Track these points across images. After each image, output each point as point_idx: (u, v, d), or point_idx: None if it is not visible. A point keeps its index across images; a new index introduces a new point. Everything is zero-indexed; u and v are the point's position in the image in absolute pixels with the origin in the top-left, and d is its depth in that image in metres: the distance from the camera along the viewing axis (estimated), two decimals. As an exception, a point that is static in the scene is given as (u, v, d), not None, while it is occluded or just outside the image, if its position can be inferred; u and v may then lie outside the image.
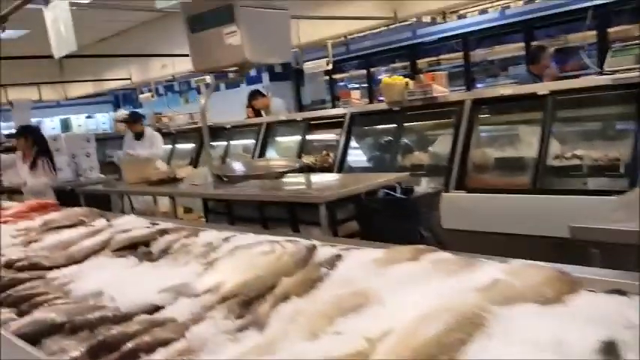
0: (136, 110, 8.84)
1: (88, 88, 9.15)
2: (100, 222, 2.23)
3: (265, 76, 9.86)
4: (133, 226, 1.95)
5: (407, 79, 5.02)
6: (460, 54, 7.67)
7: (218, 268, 1.29)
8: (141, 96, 8.29)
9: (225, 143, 7.11)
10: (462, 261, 1.10)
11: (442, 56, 7.95)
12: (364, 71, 9.07)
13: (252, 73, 10.18)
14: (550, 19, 6.67)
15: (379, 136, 5.38)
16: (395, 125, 5.14)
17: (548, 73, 4.90)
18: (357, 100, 5.49)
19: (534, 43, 6.44)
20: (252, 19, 2.15)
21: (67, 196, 5.86)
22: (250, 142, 6.73)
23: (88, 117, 13.39)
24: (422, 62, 8.16)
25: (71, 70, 9.11)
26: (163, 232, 1.85)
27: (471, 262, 1.09)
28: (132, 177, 5.21)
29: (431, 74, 4.76)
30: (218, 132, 7.36)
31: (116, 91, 12.27)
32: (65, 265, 1.60)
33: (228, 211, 4.22)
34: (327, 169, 5.64)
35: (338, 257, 1.26)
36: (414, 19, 4.93)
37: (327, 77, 9.20)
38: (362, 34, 5.69)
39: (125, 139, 7.73)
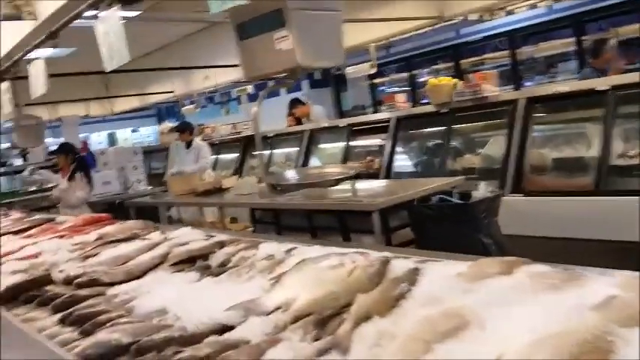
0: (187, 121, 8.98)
1: (133, 103, 9.35)
2: (155, 235, 2.20)
3: (305, 84, 9.84)
4: (189, 238, 1.90)
5: (454, 80, 4.87)
6: (505, 52, 7.45)
7: (286, 283, 1.21)
8: (184, 108, 8.41)
9: (268, 152, 7.10)
10: (564, 274, 0.98)
11: (486, 55, 7.73)
12: (404, 74, 8.93)
13: (292, 81, 10.19)
14: (601, 12, 6.38)
15: (426, 140, 5.23)
16: (443, 128, 4.98)
17: (614, 67, 4.63)
18: (402, 104, 5.37)
19: (592, 37, 6.14)
20: (304, 22, 2.08)
21: (115, 209, 5.97)
22: (293, 150, 6.70)
23: (134, 131, 13.71)
24: (465, 62, 7.96)
25: (117, 85, 9.34)
26: (221, 244, 1.79)
27: (575, 275, 0.97)
28: (178, 189, 5.24)
29: (480, 73, 4.60)
30: (262, 141, 7.37)
31: (159, 104, 12.52)
32: (125, 281, 1.55)
33: (276, 221, 4.18)
34: (373, 175, 5.52)
35: (415, 271, 1.16)
36: (460, 18, 4.77)
37: (368, 82, 9.10)
38: (405, 35, 5.56)
39: (171, 149, 7.82)
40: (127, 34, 2.68)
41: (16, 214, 3.75)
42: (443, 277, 1.09)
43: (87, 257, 2.01)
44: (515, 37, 7.19)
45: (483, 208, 2.94)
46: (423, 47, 8.07)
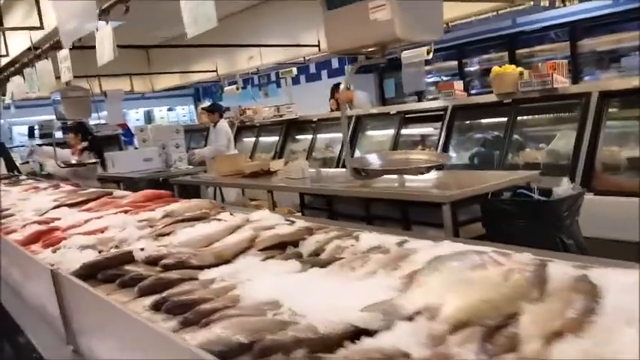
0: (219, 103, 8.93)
1: (174, 81, 9.28)
2: (226, 215, 2.06)
3: (348, 69, 9.60)
4: (272, 222, 1.75)
5: (519, 69, 4.61)
6: (563, 44, 7.09)
7: (423, 284, 1.04)
8: (226, 89, 8.28)
9: (310, 137, 6.94)
10: None
11: (544, 46, 7.38)
12: (453, 62, 8.62)
13: (334, 64, 9.98)
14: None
15: (484, 131, 4.99)
16: (504, 119, 4.72)
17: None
18: (459, 92, 5.12)
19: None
20: (404, -10, 1.87)
21: (158, 186, 5.89)
22: (337, 135, 6.51)
23: (170, 109, 13.70)
24: (520, 53, 7.62)
25: (158, 62, 9.27)
26: (309, 230, 1.63)
27: None
28: (224, 169, 5.12)
29: (551, 63, 4.32)
30: (304, 125, 7.21)
31: (199, 83, 12.42)
32: (214, 265, 1.41)
33: (328, 207, 4.01)
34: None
35: (584, 279, 0.97)
36: (531, 3, 4.49)
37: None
38: (465, 20, 5.29)
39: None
40: (170, 8, 2.55)
41: (67, 186, 3.67)
42: (625, 287, 0.91)
43: (160, 235, 1.88)
44: (576, 29, 6.83)
45: (566, 207, 2.72)
46: (476, 35, 7.75)
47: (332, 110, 8.40)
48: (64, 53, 3.67)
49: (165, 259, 1.43)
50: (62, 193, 3.22)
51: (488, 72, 8.27)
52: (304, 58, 7.39)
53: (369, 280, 1.14)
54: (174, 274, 1.34)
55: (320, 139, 6.83)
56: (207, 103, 8.55)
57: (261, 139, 7.81)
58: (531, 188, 2.86)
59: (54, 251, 1.85)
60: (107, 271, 1.48)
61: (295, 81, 10.97)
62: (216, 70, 8.14)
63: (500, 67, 4.81)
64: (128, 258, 1.52)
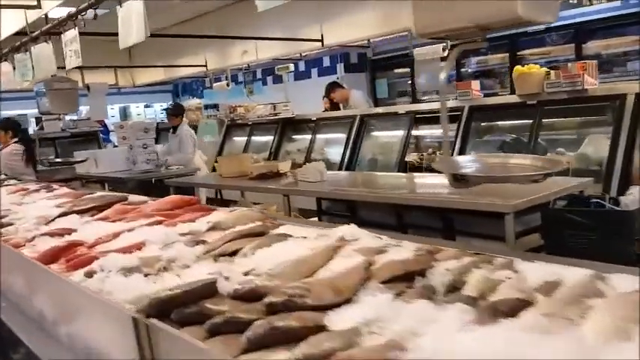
0: (180, 103, 8.52)
1: (157, 75, 8.78)
2: (292, 229, 1.72)
3: (340, 67, 9.32)
4: (371, 242, 1.42)
5: (545, 69, 4.40)
6: (566, 47, 6.96)
7: None
8: (215, 85, 7.85)
9: (307, 136, 6.59)
10: None
11: (545, 48, 7.25)
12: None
13: (326, 63, 9.66)
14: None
15: (504, 134, 4.75)
16: (527, 121, 4.49)
17: None
18: (476, 92, 4.87)
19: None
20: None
21: (148, 188, 5.47)
22: (339, 136, 6.20)
23: (147, 106, 13.12)
24: (522, 54, 7.47)
25: (142, 54, 8.75)
26: (431, 253, 1.31)
27: None
28: (227, 170, 4.75)
29: (580, 63, 4.11)
30: (300, 125, 6.87)
31: (182, 79, 11.93)
32: (336, 304, 1.07)
33: (350, 213, 3.70)
34: (432, 169, 5.06)
35: None
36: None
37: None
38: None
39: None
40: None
41: (63, 189, 3.24)
42: None
43: (221, 255, 1.52)
44: (581, 31, 6.70)
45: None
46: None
47: (325, 110, 8.11)
48: (71, 34, 3.22)
49: (270, 295, 1.08)
50: (64, 197, 2.80)
51: (487, 74, 8.18)
52: (301, 54, 7.05)
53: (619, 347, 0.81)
54: (292, 320, 0.99)
55: (319, 140, 6.49)
56: (196, 99, 8.13)
57: (253, 138, 7.41)
58: (585, 197, 2.61)
59: (89, 275, 1.47)
60: (185, 309, 1.12)
61: (279, 79, 10.64)
62: (205, 65, 7.71)
63: (523, 66, 4.59)
64: (210, 291, 1.16)
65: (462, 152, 4.74)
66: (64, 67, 4.18)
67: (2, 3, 3.70)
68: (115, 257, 1.54)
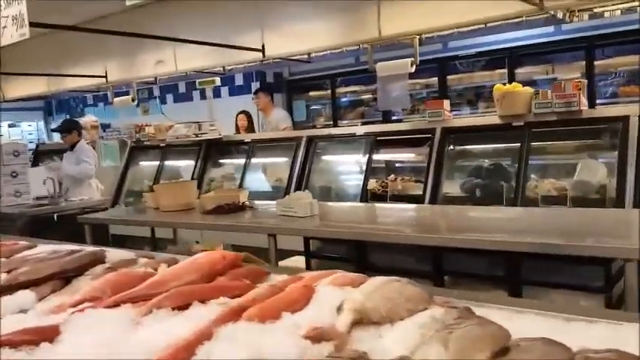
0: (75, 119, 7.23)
1: (38, 87, 7.22)
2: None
3: (255, 87, 8.52)
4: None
5: (532, 89, 4.08)
6: (498, 72, 6.94)
7: None
8: (117, 99, 6.61)
9: (240, 161, 5.69)
10: None
11: (476, 73, 7.18)
12: (372, 86, 8.08)
13: (238, 81, 8.81)
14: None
15: (485, 159, 4.34)
16: (512, 145, 4.12)
17: None
18: (448, 112, 4.43)
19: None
20: None
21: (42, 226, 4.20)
22: (280, 160, 5.41)
23: (11, 125, 11.07)
24: (452, 79, 7.33)
25: (13, 61, 7.14)
26: None
27: None
28: (168, 202, 3.73)
29: (575, 82, 3.84)
30: (229, 147, 5.94)
31: (51, 97, 10.30)
32: None
33: (348, 255, 2.94)
34: (400, 198, 4.52)
35: None
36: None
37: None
38: (447, 32, 4.63)
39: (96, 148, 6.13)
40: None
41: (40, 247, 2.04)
42: None
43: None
44: (513, 56, 6.71)
45: None
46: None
47: (238, 131, 7.33)
48: None
49: None
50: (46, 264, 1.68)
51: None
52: (224, 67, 6.14)
53: None
54: None
55: (255, 165, 5.62)
56: (91, 116, 6.80)
57: (167, 163, 6.30)
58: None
59: None
60: None
61: (184, 97, 9.57)
62: (105, 76, 6.44)
63: (504, 85, 4.24)
64: None
65: (437, 180, 4.24)
66: None
67: None
68: None
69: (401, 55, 4.62)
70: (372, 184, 4.76)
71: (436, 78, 7.39)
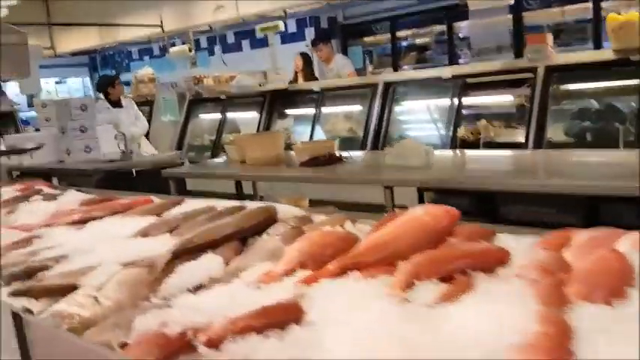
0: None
1: (90, 40, 6.98)
2: None
3: (309, 33, 8.09)
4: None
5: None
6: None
7: None
8: (172, 49, 6.32)
9: (309, 111, 5.37)
10: None
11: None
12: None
13: (291, 28, 8.38)
14: None
15: (592, 99, 3.92)
16: (624, 83, 3.70)
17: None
18: (551, 48, 3.98)
19: None
20: None
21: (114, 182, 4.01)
22: (355, 109, 5.07)
23: (58, 82, 10.97)
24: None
25: (63, 14, 6.88)
26: None
27: None
28: (256, 154, 3.46)
29: None
30: (295, 97, 5.62)
31: (124, 44, 9.74)
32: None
33: (490, 209, 2.64)
34: (494, 145, 4.16)
35: None
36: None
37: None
38: None
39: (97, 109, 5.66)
40: None
41: (63, 191, 1.84)
42: None
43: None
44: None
45: None
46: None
47: (292, 80, 6.91)
48: None
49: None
50: (96, 208, 1.47)
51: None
52: (285, 11, 5.76)
53: None
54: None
55: (326, 115, 5.30)
56: (146, 70, 6.54)
57: (230, 115, 6.05)
58: None
59: None
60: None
61: (234, 47, 9.20)
62: (161, 25, 6.14)
63: (619, 14, 3.76)
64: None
65: (541, 124, 3.85)
66: None
67: None
68: None
69: None
70: (461, 131, 4.40)
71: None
